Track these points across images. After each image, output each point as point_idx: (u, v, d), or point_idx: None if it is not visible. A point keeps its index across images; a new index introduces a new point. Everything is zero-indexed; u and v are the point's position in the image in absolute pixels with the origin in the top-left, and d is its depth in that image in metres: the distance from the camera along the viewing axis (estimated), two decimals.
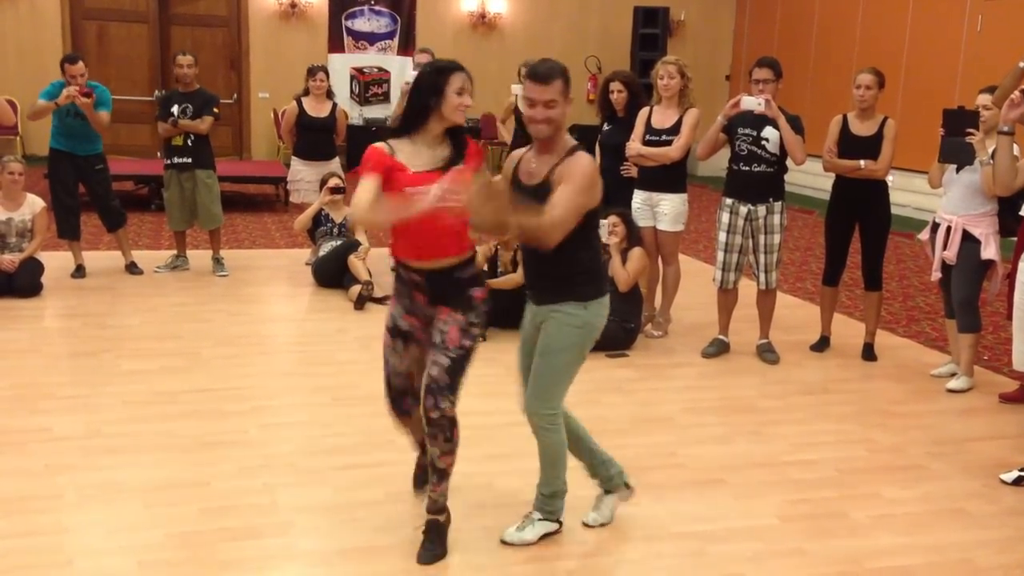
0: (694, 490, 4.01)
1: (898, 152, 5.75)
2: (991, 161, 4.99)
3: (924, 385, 5.49)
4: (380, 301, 6.75)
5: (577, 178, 3.21)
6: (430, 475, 3.39)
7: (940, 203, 5.48)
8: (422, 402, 3.28)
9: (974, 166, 5.13)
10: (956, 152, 5.17)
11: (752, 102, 5.38)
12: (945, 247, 5.33)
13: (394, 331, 3.47)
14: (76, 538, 3.43)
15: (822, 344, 6.07)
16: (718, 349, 5.90)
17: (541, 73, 3.21)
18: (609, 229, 5.84)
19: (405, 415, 3.58)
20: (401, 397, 3.54)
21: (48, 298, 6.65)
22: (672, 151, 5.84)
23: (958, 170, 5.28)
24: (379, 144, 3.31)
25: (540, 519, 3.52)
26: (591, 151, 6.96)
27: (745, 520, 3.76)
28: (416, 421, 3.49)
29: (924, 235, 5.60)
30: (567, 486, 3.53)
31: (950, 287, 5.42)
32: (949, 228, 5.31)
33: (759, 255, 5.68)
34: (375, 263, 7.28)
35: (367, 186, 3.21)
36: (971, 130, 5.07)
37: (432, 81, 3.24)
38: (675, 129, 5.85)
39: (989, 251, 5.21)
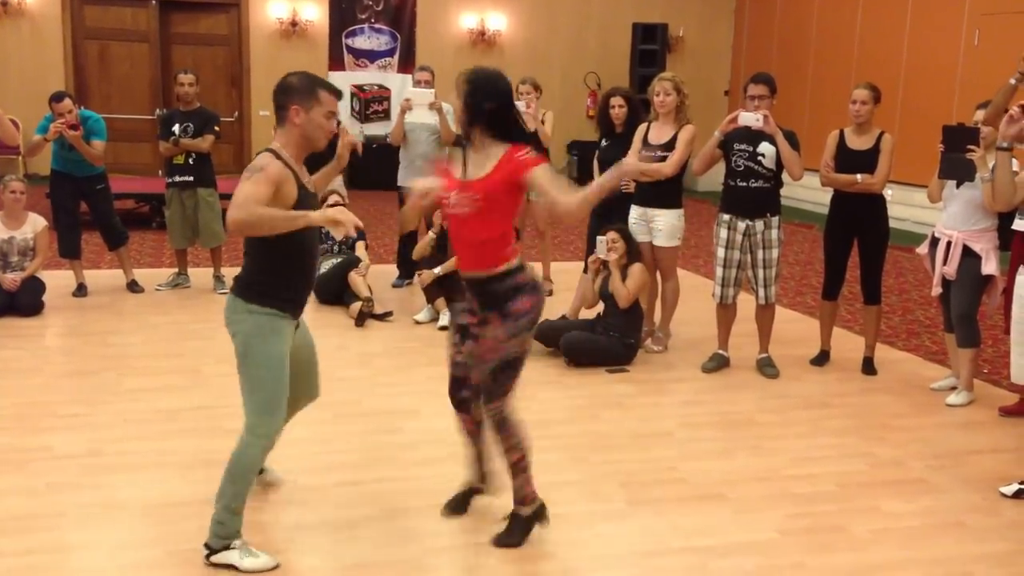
0: (694, 505, 4.01)
1: (897, 166, 5.78)
2: (991, 177, 5.00)
3: (924, 399, 5.49)
4: (381, 318, 6.77)
5: None
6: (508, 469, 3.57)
7: (940, 218, 5.50)
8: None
9: (974, 182, 5.14)
10: (956, 168, 5.17)
11: (750, 118, 5.40)
12: (945, 262, 5.35)
13: (455, 325, 3.62)
14: (77, 556, 3.43)
15: (822, 358, 6.07)
16: (718, 364, 5.91)
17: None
18: (608, 245, 5.86)
19: (461, 405, 3.67)
20: (457, 385, 3.65)
21: (49, 317, 6.67)
22: (665, 167, 5.86)
23: (958, 185, 5.29)
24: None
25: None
26: (591, 166, 7.04)
27: (745, 535, 3.76)
28: (468, 417, 3.68)
29: (923, 249, 5.61)
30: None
31: (950, 301, 5.44)
32: (949, 243, 5.33)
33: (757, 270, 5.70)
34: (376, 280, 7.30)
35: None
36: (971, 147, 5.07)
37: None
38: (671, 145, 5.88)
39: (990, 266, 5.22)
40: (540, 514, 3.63)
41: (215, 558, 3.34)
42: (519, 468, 3.55)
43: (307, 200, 3.38)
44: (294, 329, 3.48)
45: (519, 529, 3.59)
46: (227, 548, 3.34)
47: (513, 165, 3.34)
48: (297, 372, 3.54)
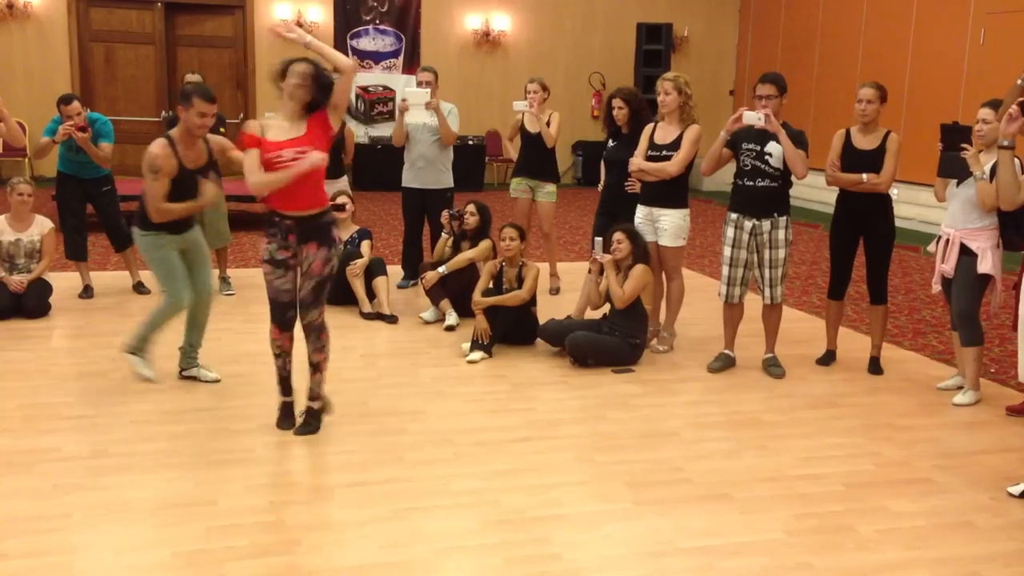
0: (700, 505, 4.01)
1: (903, 165, 5.77)
2: (984, 175, 5.01)
3: (931, 398, 5.48)
4: (383, 318, 6.78)
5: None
6: (311, 371, 4.59)
7: (944, 216, 5.50)
8: (299, 315, 4.55)
9: (968, 179, 5.15)
10: (953, 166, 5.21)
11: (753, 117, 5.41)
12: (944, 260, 5.35)
13: (275, 263, 4.49)
14: (84, 558, 3.44)
15: (828, 358, 6.06)
16: (724, 364, 5.90)
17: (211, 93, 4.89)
18: (613, 245, 5.85)
19: (286, 324, 4.60)
20: (283, 309, 4.56)
21: (56, 318, 6.69)
22: (670, 166, 5.86)
23: (958, 184, 5.29)
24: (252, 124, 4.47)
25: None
26: (595, 167, 7.03)
27: (752, 535, 3.75)
28: (289, 335, 4.63)
29: (933, 247, 5.60)
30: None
31: None
32: (948, 241, 5.33)
33: (764, 270, 5.69)
34: None
35: (255, 159, 4.33)
36: (964, 145, 5.11)
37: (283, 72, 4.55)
38: (675, 145, 5.88)
39: (984, 265, 5.20)
40: (327, 407, 4.70)
41: (127, 357, 5.15)
42: (322, 368, 4.59)
43: (185, 175, 4.89)
44: (178, 240, 5.07)
45: (315, 419, 4.62)
46: (133, 355, 5.13)
47: (321, 120, 4.45)
48: (191, 263, 5.16)
